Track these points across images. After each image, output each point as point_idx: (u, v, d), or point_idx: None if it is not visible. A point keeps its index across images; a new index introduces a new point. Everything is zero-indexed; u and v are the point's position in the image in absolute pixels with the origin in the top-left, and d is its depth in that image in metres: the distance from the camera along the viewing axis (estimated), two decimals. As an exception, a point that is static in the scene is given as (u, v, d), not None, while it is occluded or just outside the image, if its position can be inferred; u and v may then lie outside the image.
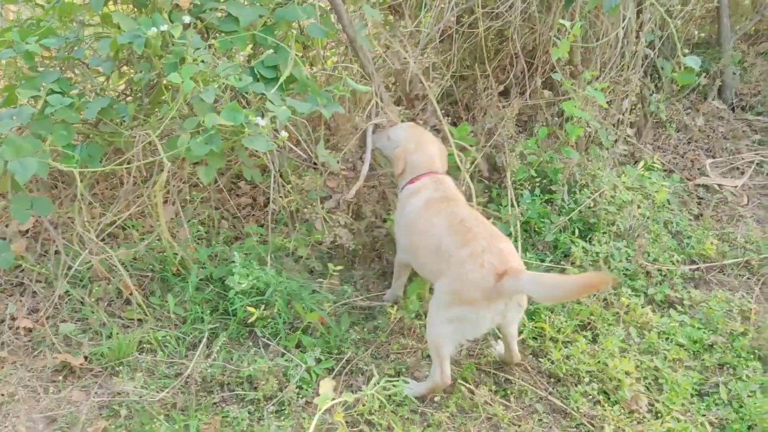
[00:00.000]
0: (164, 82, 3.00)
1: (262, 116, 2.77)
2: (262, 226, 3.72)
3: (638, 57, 4.56)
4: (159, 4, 2.97)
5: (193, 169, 3.47)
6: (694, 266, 3.90)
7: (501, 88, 4.28)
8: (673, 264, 3.84)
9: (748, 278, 3.88)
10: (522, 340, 3.22)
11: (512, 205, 3.84)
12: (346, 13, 3.34)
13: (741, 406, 2.88)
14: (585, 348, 3.11)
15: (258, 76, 3.07)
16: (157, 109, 3.46)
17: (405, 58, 3.55)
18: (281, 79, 3.00)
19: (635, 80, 4.61)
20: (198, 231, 3.55)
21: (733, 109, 5.79)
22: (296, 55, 3.16)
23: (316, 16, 3.20)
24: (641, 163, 4.41)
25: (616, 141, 4.59)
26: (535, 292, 2.68)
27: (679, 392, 2.96)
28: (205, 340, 3.03)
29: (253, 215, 3.95)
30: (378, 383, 2.59)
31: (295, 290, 3.21)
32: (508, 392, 2.97)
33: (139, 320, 3.14)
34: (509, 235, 3.71)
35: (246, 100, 3.21)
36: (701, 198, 4.68)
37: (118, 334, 2.95)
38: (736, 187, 4.83)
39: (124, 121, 3.16)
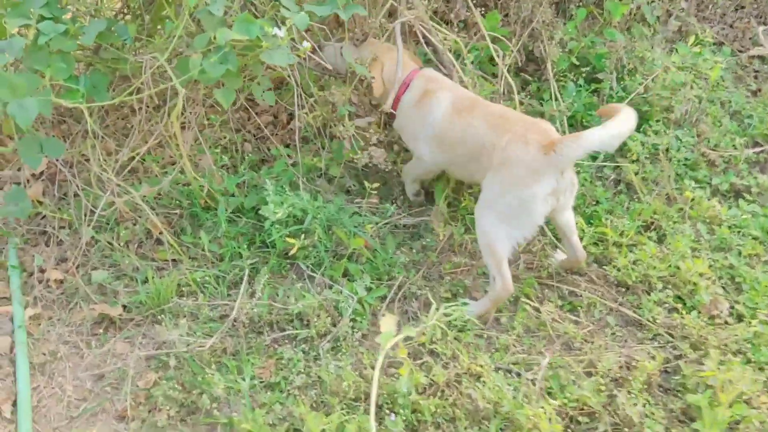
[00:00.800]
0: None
1: (279, 26, 2.43)
2: (287, 146, 3.43)
3: None
4: None
5: (209, 90, 3.14)
6: (759, 149, 3.60)
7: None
8: (736, 148, 3.54)
9: (818, 157, 3.58)
10: (583, 246, 2.99)
11: (555, 99, 3.52)
12: None
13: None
14: (654, 252, 2.87)
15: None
16: (160, 27, 3.10)
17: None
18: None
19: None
20: (221, 159, 3.28)
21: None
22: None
23: None
24: (691, 39, 4.00)
25: (659, 17, 4.17)
26: (608, 143, 2.52)
27: (760, 291, 2.75)
28: (246, 277, 2.82)
29: (277, 134, 3.63)
30: (438, 310, 2.38)
31: (334, 215, 2.97)
32: (576, 306, 2.78)
33: (174, 261, 2.93)
34: (556, 132, 3.40)
35: (255, 8, 2.84)
36: (757, 71, 4.28)
37: (153, 278, 2.74)
38: (792, 55, 4.42)
39: (125, 44, 2.82)
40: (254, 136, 3.59)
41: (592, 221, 3.08)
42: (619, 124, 2.50)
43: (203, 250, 2.92)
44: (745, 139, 3.62)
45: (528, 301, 2.78)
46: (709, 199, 3.20)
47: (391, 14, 3.35)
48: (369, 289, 2.77)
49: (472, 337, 2.61)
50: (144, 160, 3.15)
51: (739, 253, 2.95)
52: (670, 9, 4.23)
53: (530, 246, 3.01)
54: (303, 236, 2.86)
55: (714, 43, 4.30)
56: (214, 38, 2.46)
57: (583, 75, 3.69)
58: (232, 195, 3.09)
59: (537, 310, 2.74)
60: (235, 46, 2.55)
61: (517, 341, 2.62)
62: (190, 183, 2.98)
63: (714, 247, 3.00)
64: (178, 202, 3.07)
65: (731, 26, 4.74)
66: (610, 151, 2.79)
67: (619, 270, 2.88)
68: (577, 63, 3.71)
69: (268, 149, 3.52)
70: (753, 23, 4.73)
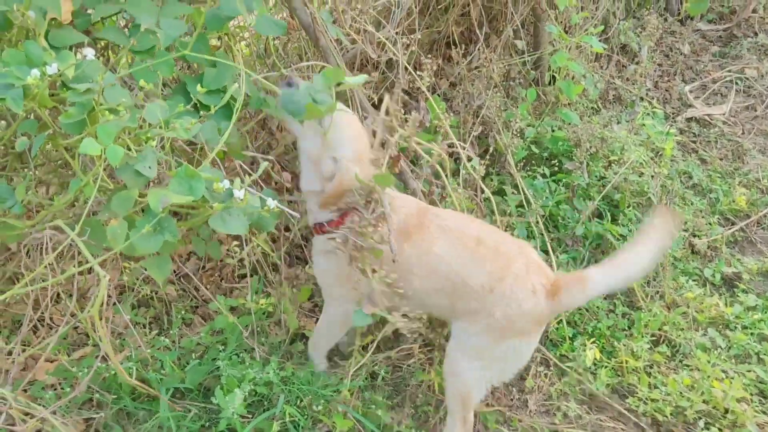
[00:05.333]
0: (62, 144, 1.96)
1: (232, 182, 1.84)
2: (226, 294, 2.79)
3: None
4: (29, 24, 1.89)
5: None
6: (732, 227, 3.38)
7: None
8: (711, 225, 3.31)
9: (790, 228, 3.42)
10: (592, 373, 2.58)
11: (522, 193, 3.12)
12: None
13: None
14: (687, 383, 2.50)
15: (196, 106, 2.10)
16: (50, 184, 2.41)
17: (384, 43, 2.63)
18: (236, 110, 2.02)
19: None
20: (142, 319, 2.60)
21: (681, 22, 5.29)
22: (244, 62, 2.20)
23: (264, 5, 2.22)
24: (639, 113, 3.79)
25: (600, 92, 3.95)
26: (616, 286, 2.15)
27: (804, 410, 2.44)
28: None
29: (204, 269, 2.99)
30: None
31: (306, 385, 2.37)
32: (615, 463, 2.34)
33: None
34: (530, 236, 3.01)
35: (192, 148, 2.24)
36: (696, 135, 4.15)
37: None
38: (724, 114, 4.35)
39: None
40: (178, 276, 2.92)
41: (606, 349, 2.67)
42: (627, 268, 2.09)
43: (140, 459, 2.22)
44: (717, 216, 3.41)
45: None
46: (711, 296, 2.90)
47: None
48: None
49: None
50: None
51: (763, 361, 2.65)
52: (609, 79, 4.03)
53: (543, 386, 2.55)
54: (273, 424, 2.23)
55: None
56: (140, 197, 1.84)
57: (544, 162, 3.34)
58: (162, 375, 2.40)
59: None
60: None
61: None
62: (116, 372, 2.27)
63: (732, 356, 2.68)
64: (101, 398, 2.34)
65: (656, 86, 4.64)
66: None
67: (645, 402, 2.48)
68: (536, 150, 3.36)
69: (197, 290, 2.88)
70: (677, 81, 4.65)
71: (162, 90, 2.30)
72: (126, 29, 2.32)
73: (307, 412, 2.31)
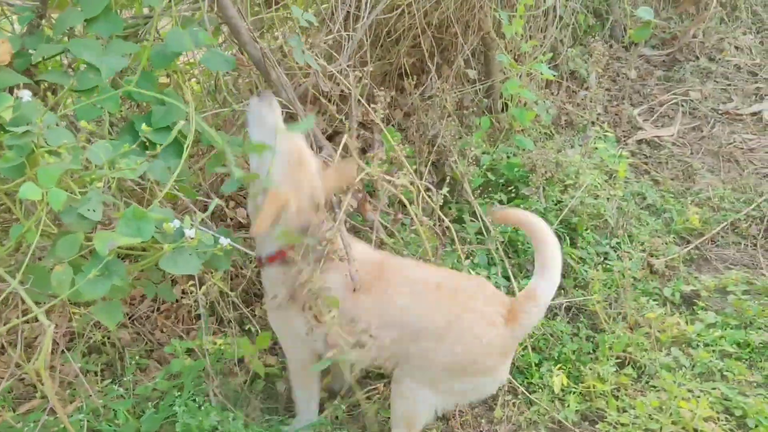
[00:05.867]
0: (1, 189, 1.87)
1: (182, 220, 1.77)
2: (182, 336, 2.70)
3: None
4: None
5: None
6: (688, 246, 3.43)
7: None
8: (667, 245, 3.36)
9: (742, 244, 3.48)
10: (560, 399, 2.55)
11: (480, 220, 3.12)
12: (245, 29, 2.34)
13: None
14: (654, 404, 2.48)
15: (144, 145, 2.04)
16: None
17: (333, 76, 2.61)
18: (186, 148, 1.96)
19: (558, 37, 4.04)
20: (92, 365, 2.48)
21: (626, 48, 5.44)
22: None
23: (209, 41, 2.17)
24: (592, 136, 3.85)
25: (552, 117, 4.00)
26: (555, 286, 2.16)
27: (770, 425, 2.44)
28: None
29: (159, 311, 2.89)
30: None
31: None
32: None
33: None
34: (490, 262, 3.00)
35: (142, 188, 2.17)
36: (648, 156, 4.24)
37: None
38: (672, 135, 4.45)
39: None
40: (131, 319, 2.81)
41: (572, 374, 2.65)
42: (555, 264, 2.13)
43: None
44: (672, 236, 3.46)
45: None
46: (671, 315, 2.92)
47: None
48: None
49: None
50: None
51: (726, 378, 2.66)
52: (560, 105, 4.10)
53: (512, 415, 2.51)
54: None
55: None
56: (85, 241, 1.76)
57: (501, 188, 3.35)
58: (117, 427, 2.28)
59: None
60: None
61: None
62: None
63: (697, 374, 2.68)
64: (45, 453, 2.21)
65: (606, 111, 4.73)
66: None
67: (615, 427, 2.45)
68: (492, 177, 3.37)
69: (152, 333, 2.78)
70: (625, 105, 4.76)
71: (110, 130, 2.24)
72: (70, 68, 2.27)
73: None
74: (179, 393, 2.38)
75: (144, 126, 1.88)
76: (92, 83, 1.96)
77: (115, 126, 2.55)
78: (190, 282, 2.70)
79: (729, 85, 4.95)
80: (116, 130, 2.48)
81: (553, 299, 2.87)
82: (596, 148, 3.77)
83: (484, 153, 3.41)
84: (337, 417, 2.44)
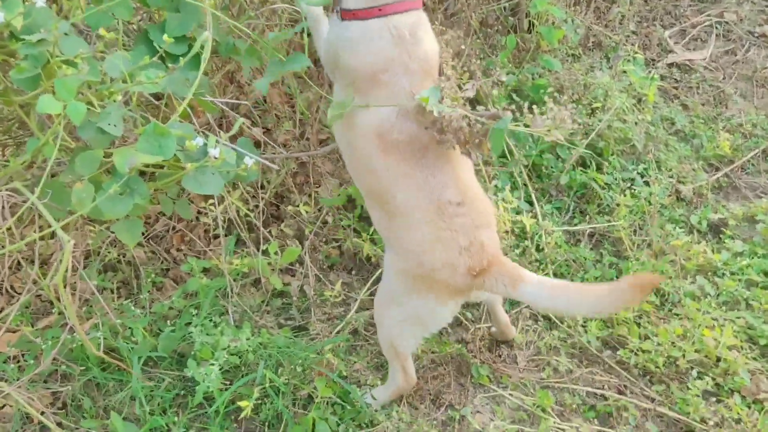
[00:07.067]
0: (15, 102, 1.78)
1: (206, 137, 1.69)
2: (198, 255, 2.66)
3: None
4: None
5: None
6: (717, 173, 3.32)
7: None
8: (695, 172, 3.25)
9: (773, 172, 3.37)
10: (582, 326, 2.53)
11: (504, 143, 3.01)
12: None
13: None
14: (678, 332, 2.45)
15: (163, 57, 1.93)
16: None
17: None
18: (203, 59, 1.85)
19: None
20: (109, 283, 2.46)
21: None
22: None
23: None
24: (622, 56, 3.68)
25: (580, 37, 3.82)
26: (540, 305, 2.08)
27: (795, 355, 2.41)
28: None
29: (175, 230, 2.84)
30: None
31: (283, 350, 2.27)
32: (601, 412, 2.29)
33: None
34: (513, 186, 2.92)
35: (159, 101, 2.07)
36: (678, 81, 4.06)
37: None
38: (705, 59, 4.25)
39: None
40: (147, 237, 2.77)
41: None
42: (581, 301, 1.92)
43: (116, 433, 2.10)
44: (701, 162, 3.35)
45: (546, 415, 2.25)
46: (698, 243, 2.85)
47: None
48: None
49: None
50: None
51: (752, 307, 2.61)
52: (588, 24, 3.90)
53: (532, 341, 2.49)
54: (254, 391, 2.13)
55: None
56: (106, 157, 1.69)
57: (525, 110, 3.22)
58: (134, 343, 2.27)
59: (562, 430, 2.21)
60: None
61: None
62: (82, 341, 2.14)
63: (721, 303, 2.63)
64: (66, 369, 2.21)
65: (635, 33, 4.52)
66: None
67: (636, 354, 2.43)
68: (517, 99, 3.23)
69: (167, 252, 2.75)
70: (656, 27, 4.54)
71: (124, 42, 2.13)
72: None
73: (288, 378, 2.21)
74: (196, 312, 2.36)
75: (165, 37, 1.77)
76: (101, -12, 1.84)
77: (128, 36, 2.44)
78: (210, 201, 2.64)
79: (767, 6, 4.69)
80: (128, 41, 2.37)
81: (575, 225, 2.86)
82: (625, 71, 3.61)
83: (509, 73, 3.26)
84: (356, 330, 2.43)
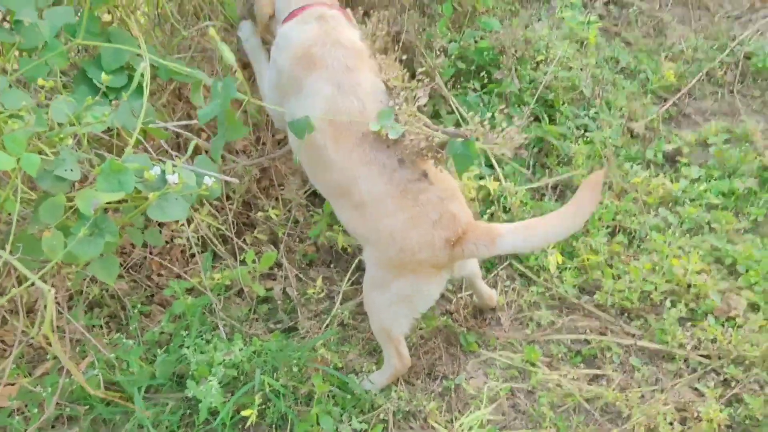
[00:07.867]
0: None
1: (164, 162, 1.73)
2: (179, 276, 2.70)
3: None
4: None
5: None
6: (666, 104, 3.41)
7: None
8: (645, 106, 3.34)
9: (719, 93, 3.47)
10: (559, 277, 2.62)
11: (456, 112, 3.07)
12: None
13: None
14: (648, 267, 2.55)
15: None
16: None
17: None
18: (145, 86, 1.88)
19: None
20: (97, 320, 2.51)
21: None
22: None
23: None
24: (557, 7, 3.73)
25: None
26: (524, 247, 2.17)
27: (760, 269, 2.52)
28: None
29: (152, 256, 2.88)
30: None
31: (276, 353, 2.34)
32: (587, 355, 2.40)
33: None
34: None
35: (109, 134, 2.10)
36: (617, 18, 4.12)
37: None
38: (640, -9, 4.31)
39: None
40: (126, 268, 2.81)
41: (566, 251, 2.69)
42: (545, 231, 2.02)
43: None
44: (649, 96, 3.43)
45: (536, 368, 2.35)
46: (656, 176, 2.94)
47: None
48: (361, 434, 2.19)
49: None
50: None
51: (714, 230, 2.72)
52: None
53: (513, 300, 2.58)
54: (256, 398, 2.20)
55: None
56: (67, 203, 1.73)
57: (473, 76, 3.28)
58: (130, 373, 2.32)
59: (557, 380, 2.32)
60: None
61: (553, 428, 2.19)
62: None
63: (686, 230, 2.74)
64: (67, 410, 2.26)
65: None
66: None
67: (611, 295, 2.53)
68: (463, 66, 3.28)
69: (149, 278, 2.79)
70: (586, -35, 4.57)
71: (61, 79, 2.14)
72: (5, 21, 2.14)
73: (286, 379, 2.29)
74: (186, 332, 2.41)
75: (103, 75, 1.80)
76: (38, 38, 1.86)
77: (65, 74, 2.44)
78: (180, 222, 2.67)
79: (692, -73, 4.75)
80: (66, 78, 2.38)
81: (537, 180, 2.93)
82: (563, 18, 3.66)
83: (451, 41, 3.30)
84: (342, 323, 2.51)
